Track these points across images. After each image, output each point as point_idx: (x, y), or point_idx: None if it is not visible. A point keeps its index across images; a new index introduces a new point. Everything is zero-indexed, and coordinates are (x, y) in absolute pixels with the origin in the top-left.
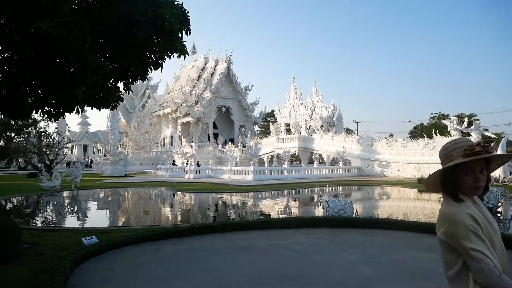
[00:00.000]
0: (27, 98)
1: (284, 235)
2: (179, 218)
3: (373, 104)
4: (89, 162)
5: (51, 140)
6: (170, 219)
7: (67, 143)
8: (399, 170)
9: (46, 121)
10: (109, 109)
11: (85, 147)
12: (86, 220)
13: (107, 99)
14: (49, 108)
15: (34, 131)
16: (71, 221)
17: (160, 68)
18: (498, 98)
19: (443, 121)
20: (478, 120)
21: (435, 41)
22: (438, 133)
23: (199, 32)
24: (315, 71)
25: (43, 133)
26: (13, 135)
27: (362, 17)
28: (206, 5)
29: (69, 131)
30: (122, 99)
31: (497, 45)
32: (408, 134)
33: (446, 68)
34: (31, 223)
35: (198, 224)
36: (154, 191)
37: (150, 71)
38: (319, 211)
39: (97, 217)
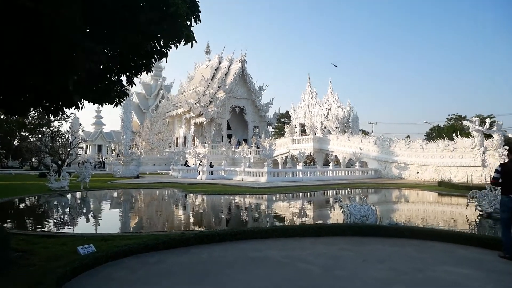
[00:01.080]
0: (20, 92)
1: (302, 245)
2: (187, 223)
3: (388, 105)
4: (102, 162)
5: (64, 140)
6: (178, 224)
7: (80, 142)
8: (417, 173)
9: (60, 121)
10: (113, 105)
11: (99, 147)
12: (87, 224)
13: (109, 93)
14: (47, 103)
15: (47, 130)
16: (71, 225)
17: (165, 58)
18: None
19: (464, 122)
20: (499, 121)
21: (451, 42)
22: (458, 135)
23: (213, 32)
24: (331, 71)
25: (56, 133)
26: (27, 134)
27: (378, 16)
28: (220, 4)
29: (83, 131)
30: (127, 94)
31: None
32: (424, 135)
33: (461, 69)
34: (28, 227)
35: (207, 231)
36: (164, 193)
37: (154, 62)
38: (336, 215)
39: (100, 221)
